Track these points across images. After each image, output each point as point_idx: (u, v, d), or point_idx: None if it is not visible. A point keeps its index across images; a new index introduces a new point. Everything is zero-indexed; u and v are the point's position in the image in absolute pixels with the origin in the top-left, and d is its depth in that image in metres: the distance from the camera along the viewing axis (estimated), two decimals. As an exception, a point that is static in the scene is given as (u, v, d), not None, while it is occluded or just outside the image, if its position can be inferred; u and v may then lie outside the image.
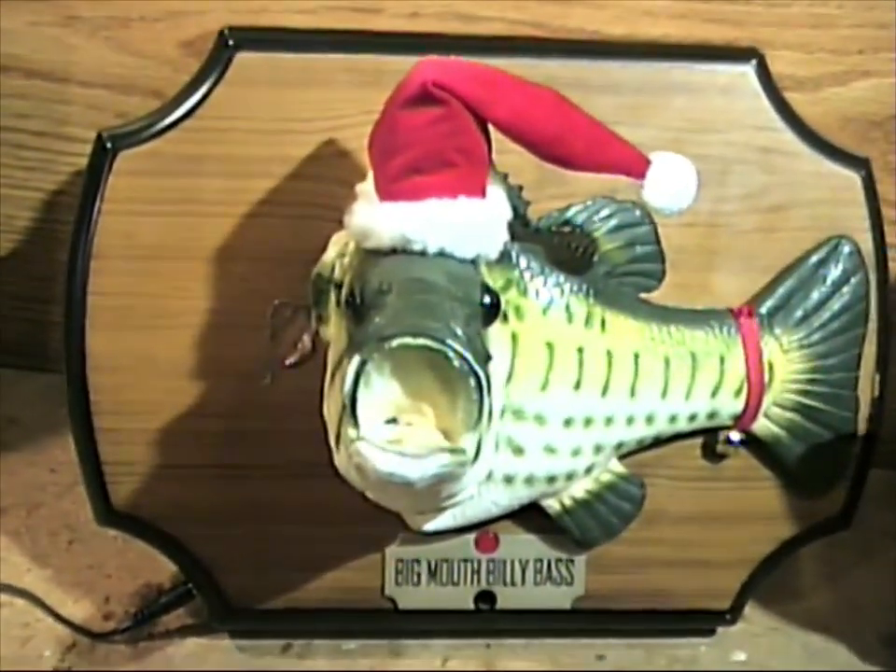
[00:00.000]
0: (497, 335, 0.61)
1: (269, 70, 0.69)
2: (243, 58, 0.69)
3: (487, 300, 0.59)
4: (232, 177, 0.69)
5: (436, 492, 0.58)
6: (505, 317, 0.64)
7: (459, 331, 0.55)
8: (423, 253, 0.59)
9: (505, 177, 0.65)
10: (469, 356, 0.54)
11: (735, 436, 0.72)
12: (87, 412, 0.69)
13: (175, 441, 0.71)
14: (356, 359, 0.54)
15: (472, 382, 0.55)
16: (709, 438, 0.72)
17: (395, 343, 0.54)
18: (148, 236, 0.69)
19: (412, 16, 0.84)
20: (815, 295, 0.72)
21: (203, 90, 0.68)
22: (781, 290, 0.72)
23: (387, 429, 0.56)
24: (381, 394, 0.56)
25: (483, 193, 0.61)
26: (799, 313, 0.72)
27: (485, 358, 0.57)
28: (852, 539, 0.77)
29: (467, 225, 0.60)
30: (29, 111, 0.86)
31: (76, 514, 0.84)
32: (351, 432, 0.54)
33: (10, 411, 0.91)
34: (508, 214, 0.62)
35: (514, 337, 0.66)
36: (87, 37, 0.85)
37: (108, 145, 0.68)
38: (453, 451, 0.55)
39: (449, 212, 0.59)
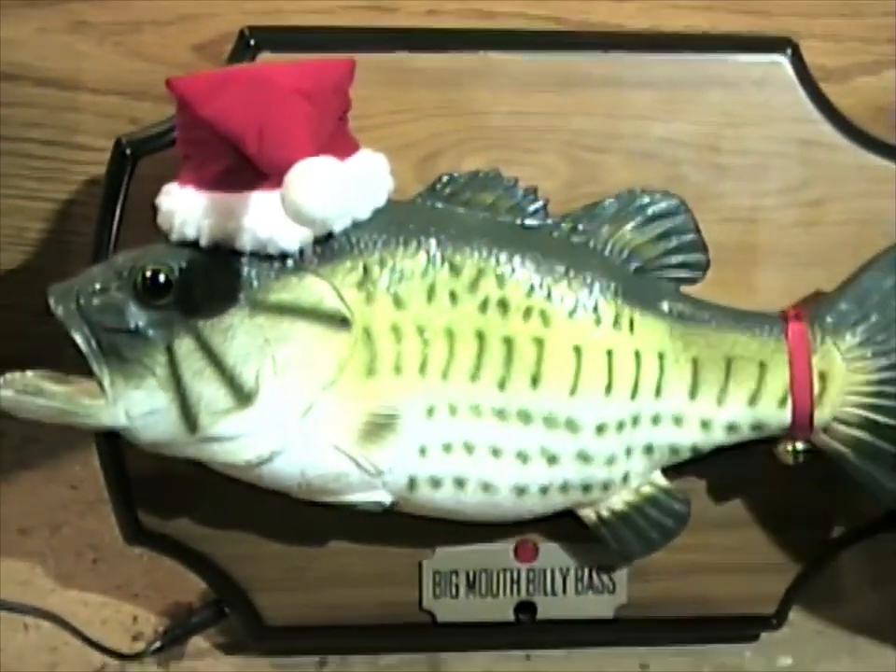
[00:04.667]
0: (313, 332, 0.63)
1: None
2: (265, 58, 0.68)
3: (146, 279, 0.62)
4: None
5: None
6: (337, 319, 0.64)
7: (81, 292, 0.62)
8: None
9: (497, 175, 0.66)
10: (61, 304, 0.61)
11: (800, 445, 0.69)
12: None
13: None
14: None
15: (81, 345, 0.61)
16: (770, 447, 0.70)
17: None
18: None
19: (429, 13, 0.83)
20: (883, 300, 0.68)
21: None
22: (845, 294, 0.69)
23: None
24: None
25: (212, 185, 0.62)
26: (864, 320, 0.68)
27: (123, 331, 0.62)
28: (894, 540, 0.75)
29: (214, 215, 0.62)
30: (39, 120, 0.85)
31: (100, 533, 0.83)
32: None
33: (28, 429, 0.87)
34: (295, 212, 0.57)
35: (540, 342, 0.65)
36: (96, 43, 0.84)
37: (128, 151, 0.68)
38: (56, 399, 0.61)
39: (174, 201, 0.63)
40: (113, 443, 0.69)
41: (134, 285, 0.62)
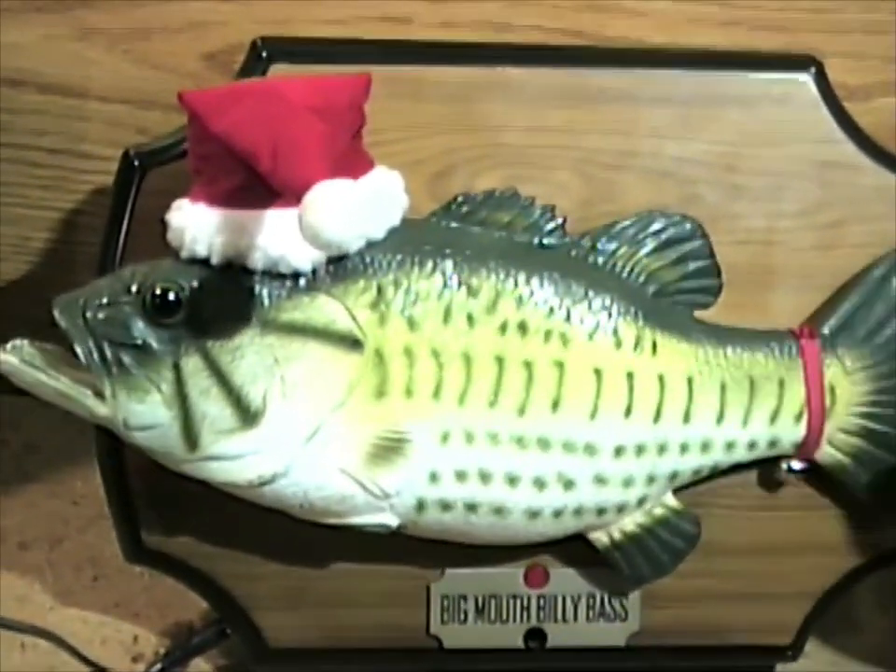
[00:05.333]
0: (322, 352, 0.62)
1: None
2: (277, 69, 0.67)
3: (155, 296, 0.61)
4: None
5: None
6: (348, 340, 0.63)
7: (87, 304, 0.61)
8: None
9: (514, 193, 0.66)
10: (66, 315, 0.61)
11: (797, 464, 0.70)
12: (114, 441, 0.67)
13: None
14: None
15: (83, 355, 0.60)
16: (769, 466, 0.70)
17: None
18: None
19: (444, 25, 0.81)
20: (878, 312, 0.69)
21: None
22: (843, 308, 0.70)
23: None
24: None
25: (224, 202, 0.61)
26: (862, 331, 0.69)
27: (127, 345, 0.61)
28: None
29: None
30: (45, 128, 0.82)
31: (100, 549, 0.81)
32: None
33: (30, 439, 0.89)
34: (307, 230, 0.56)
35: (560, 365, 0.64)
36: (105, 51, 0.81)
37: (136, 162, 0.67)
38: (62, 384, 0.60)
39: (185, 217, 0.62)
40: (115, 459, 0.68)
41: (143, 302, 0.61)
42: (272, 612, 0.71)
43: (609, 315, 0.66)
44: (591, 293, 0.65)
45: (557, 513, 0.66)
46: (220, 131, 0.59)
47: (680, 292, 0.68)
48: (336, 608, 0.71)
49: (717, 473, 0.69)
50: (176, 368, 0.61)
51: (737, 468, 0.69)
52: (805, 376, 0.68)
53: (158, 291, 0.61)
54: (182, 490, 0.67)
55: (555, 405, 0.64)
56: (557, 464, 0.65)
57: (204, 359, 0.61)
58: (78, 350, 0.60)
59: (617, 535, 0.68)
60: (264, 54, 0.67)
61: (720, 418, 0.67)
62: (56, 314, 0.61)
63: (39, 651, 0.73)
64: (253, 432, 0.61)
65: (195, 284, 0.62)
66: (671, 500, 0.69)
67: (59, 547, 0.83)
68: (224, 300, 0.61)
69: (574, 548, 0.69)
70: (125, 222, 0.67)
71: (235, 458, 0.62)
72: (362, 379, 0.62)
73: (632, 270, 0.67)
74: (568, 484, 0.65)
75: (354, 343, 0.62)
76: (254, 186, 0.59)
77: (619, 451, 0.66)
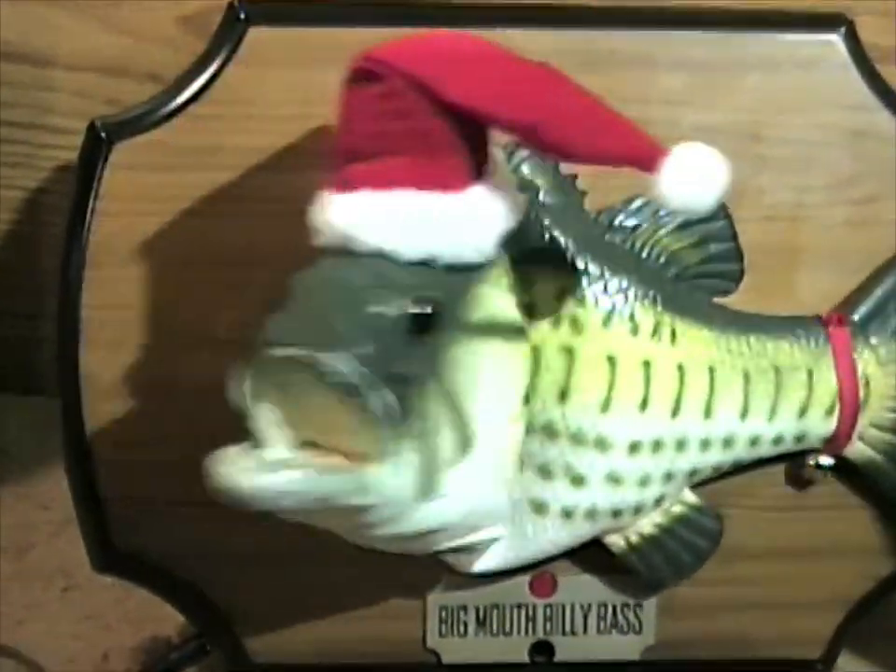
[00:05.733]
0: (505, 350, 0.58)
1: (287, 47, 0.65)
2: (256, 33, 0.64)
3: (415, 308, 0.53)
4: (245, 171, 0.65)
5: (368, 523, 0.54)
6: (522, 332, 0.59)
7: (350, 342, 0.51)
8: (363, 252, 0.55)
9: (556, 167, 0.63)
10: (349, 371, 0.50)
11: (826, 460, 0.67)
12: (83, 441, 0.66)
13: (187, 473, 0.62)
14: (245, 370, 0.51)
15: (357, 404, 0.50)
16: (795, 462, 0.68)
17: (265, 353, 0.51)
18: (153, 241, 0.65)
19: (440, -16, 0.77)
20: None
21: (212, 70, 0.64)
22: (877, 294, 0.67)
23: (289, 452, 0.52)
24: (272, 413, 0.52)
25: (445, 185, 0.55)
26: None
27: (400, 378, 0.52)
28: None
29: (409, 220, 0.55)
30: (9, 99, 0.82)
31: (71, 556, 0.78)
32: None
33: None
34: (500, 211, 0.56)
35: (570, 351, 0.61)
36: (74, 16, 0.80)
37: (103, 135, 0.64)
38: (338, 472, 0.51)
39: (387, 205, 0.55)
40: (84, 460, 0.66)
41: (403, 324, 0.54)
42: (255, 626, 0.69)
43: (626, 298, 0.63)
44: (607, 273, 0.63)
45: (567, 513, 0.63)
46: (458, 97, 0.54)
47: (700, 276, 0.65)
48: (325, 621, 0.69)
49: (738, 469, 0.67)
50: (423, 392, 0.54)
51: (759, 463, 0.67)
52: (836, 366, 0.66)
53: (415, 310, 0.54)
54: (158, 491, 0.66)
55: (563, 395, 0.62)
56: (565, 457, 0.62)
57: (440, 381, 0.55)
58: (374, 403, 0.51)
59: (634, 537, 0.66)
60: (242, 16, 0.64)
61: (744, 412, 0.65)
62: (342, 371, 0.51)
63: (6, 669, 0.72)
64: (468, 458, 0.56)
65: (442, 292, 0.55)
66: (690, 496, 0.66)
67: (27, 555, 0.81)
68: (454, 304, 0.56)
69: (584, 554, 0.67)
70: (91, 201, 0.64)
71: (451, 496, 0.55)
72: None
73: (651, 250, 0.65)
74: (578, 481, 0.63)
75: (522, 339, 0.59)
76: (416, 165, 0.55)
77: (634, 447, 0.63)
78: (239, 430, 0.62)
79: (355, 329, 0.51)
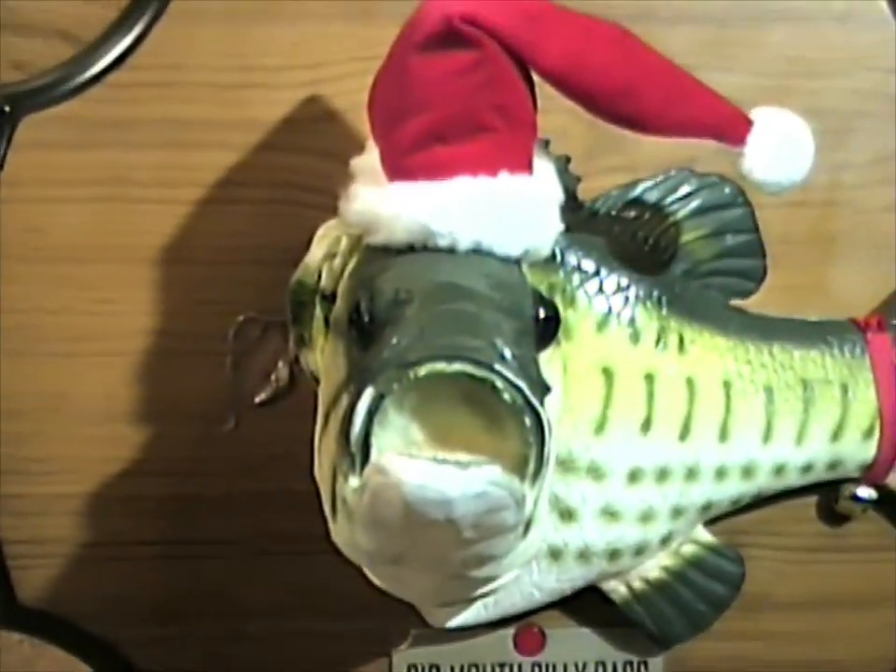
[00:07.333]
0: (547, 360, 0.54)
1: (222, 2, 0.63)
2: None
3: (543, 313, 0.52)
4: (176, 149, 0.63)
5: (477, 556, 0.49)
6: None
7: (508, 353, 0.47)
8: (451, 250, 0.51)
9: (546, 145, 0.58)
10: (523, 385, 0.47)
11: (864, 492, 0.63)
12: None
13: (103, 509, 0.64)
14: (368, 393, 0.47)
15: (528, 421, 0.47)
16: (828, 494, 0.64)
17: (423, 370, 0.46)
18: (65, 231, 0.63)
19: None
20: None
21: (136, 31, 0.62)
22: None
23: None
24: (399, 438, 0.48)
25: (529, 168, 0.53)
26: None
27: (543, 390, 0.49)
28: None
29: (511, 211, 0.52)
30: None
31: None
32: (353, 481, 0.47)
33: None
34: (559, 195, 0.55)
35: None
36: None
37: (6, 108, 0.63)
38: (511, 481, 0.47)
39: (486, 193, 0.52)
40: None
41: (536, 330, 0.51)
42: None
43: (625, 299, 0.60)
44: (603, 270, 0.60)
45: (555, 553, 0.59)
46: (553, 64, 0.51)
47: (715, 273, 0.62)
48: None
49: (760, 501, 0.63)
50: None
51: (786, 494, 0.64)
52: (876, 379, 0.62)
53: (542, 314, 0.52)
54: (69, 535, 0.63)
55: None
56: (552, 486, 0.56)
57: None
58: (540, 421, 0.48)
59: (637, 584, 0.62)
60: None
61: (767, 435, 0.61)
62: (504, 380, 0.48)
63: None
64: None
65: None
66: (704, 535, 0.63)
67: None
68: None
69: (577, 604, 0.63)
70: (-7, 182, 0.65)
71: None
72: None
73: (656, 243, 0.61)
74: (566, 515, 0.59)
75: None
76: (507, 146, 0.52)
77: (634, 476, 0.59)
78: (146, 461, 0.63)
79: (511, 342, 0.49)
